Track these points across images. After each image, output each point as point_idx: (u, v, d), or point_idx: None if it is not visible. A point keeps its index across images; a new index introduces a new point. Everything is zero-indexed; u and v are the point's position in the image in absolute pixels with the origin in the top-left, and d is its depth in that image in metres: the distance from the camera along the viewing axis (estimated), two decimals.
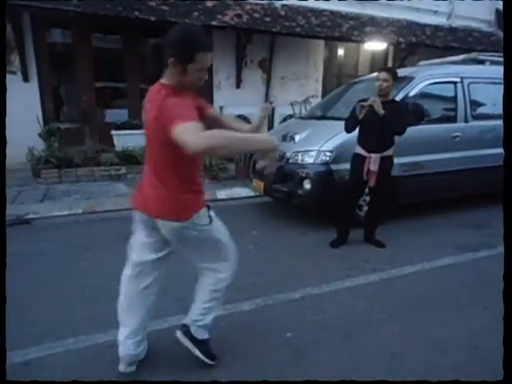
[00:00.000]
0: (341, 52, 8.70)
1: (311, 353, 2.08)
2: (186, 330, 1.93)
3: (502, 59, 5.20)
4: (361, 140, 3.45)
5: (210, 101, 7.29)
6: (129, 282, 1.82)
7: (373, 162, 3.33)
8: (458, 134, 4.36)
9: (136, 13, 5.92)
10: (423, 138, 4.10)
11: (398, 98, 3.77)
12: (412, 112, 3.75)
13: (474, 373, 1.95)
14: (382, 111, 3.15)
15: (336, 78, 8.73)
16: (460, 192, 4.74)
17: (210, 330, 1.94)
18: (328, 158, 3.87)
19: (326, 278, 2.90)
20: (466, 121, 4.43)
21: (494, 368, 1.98)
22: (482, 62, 4.95)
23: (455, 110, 4.41)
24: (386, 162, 3.38)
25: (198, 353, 1.91)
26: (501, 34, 9.34)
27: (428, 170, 4.24)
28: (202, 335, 1.92)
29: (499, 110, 4.74)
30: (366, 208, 4.03)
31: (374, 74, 5.32)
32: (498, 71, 4.85)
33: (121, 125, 6.59)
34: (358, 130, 3.48)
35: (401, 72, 3.83)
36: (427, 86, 4.23)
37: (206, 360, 1.91)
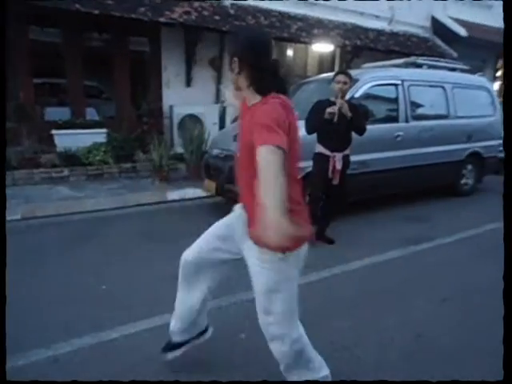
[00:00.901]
0: (290, 53, 8.84)
1: (265, 353, 2.08)
2: None
3: (437, 63, 5.59)
4: (323, 140, 3.54)
5: (160, 99, 7.10)
6: None
7: (337, 160, 3.48)
8: (400, 133, 4.61)
9: (77, 5, 5.60)
10: (368, 137, 4.27)
11: None
12: None
13: (420, 361, 2.06)
14: (349, 113, 3.32)
15: (286, 78, 8.86)
16: (402, 188, 5.02)
17: None
18: None
19: None
20: (406, 121, 4.69)
21: (436, 356, 2.11)
22: (420, 66, 5.27)
23: (397, 110, 4.65)
24: (346, 161, 3.56)
25: None
26: (436, 39, 10.00)
27: (373, 168, 4.43)
28: None
29: (436, 110, 5.14)
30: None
31: (323, 75, 5.48)
32: (435, 75, 5.21)
33: (63, 124, 6.21)
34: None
35: None
36: (371, 87, 4.42)
37: None
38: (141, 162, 6.25)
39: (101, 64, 7.23)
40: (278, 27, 7.54)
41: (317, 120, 3.44)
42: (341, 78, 3.43)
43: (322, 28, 8.21)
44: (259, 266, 1.47)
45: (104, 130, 6.27)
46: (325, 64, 9.20)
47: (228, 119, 7.33)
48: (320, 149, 3.56)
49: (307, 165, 3.82)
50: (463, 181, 5.56)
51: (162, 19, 6.25)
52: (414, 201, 5.21)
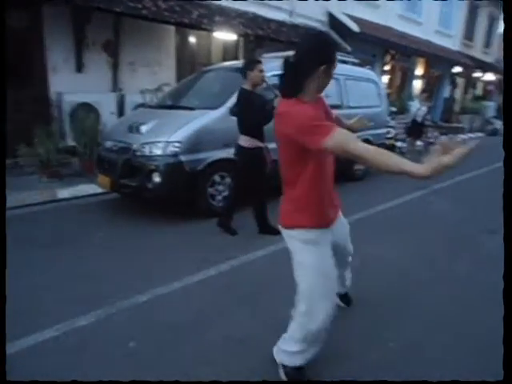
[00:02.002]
0: (193, 40, 8.57)
1: (155, 359, 1.96)
2: None
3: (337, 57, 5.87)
4: (257, 133, 3.44)
5: (45, 86, 6.33)
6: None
7: (268, 151, 3.48)
8: None
9: None
10: (267, 127, 4.34)
11: None
12: None
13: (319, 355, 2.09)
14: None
15: (190, 66, 8.59)
16: None
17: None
18: (177, 149, 3.74)
19: (177, 275, 2.80)
20: None
21: (331, 347, 2.15)
22: None
23: None
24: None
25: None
26: (332, 33, 10.58)
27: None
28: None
29: (330, 101, 5.33)
30: (219, 197, 4.08)
31: (226, 64, 5.40)
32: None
33: None
34: (239, 121, 3.49)
35: None
36: (272, 76, 4.45)
37: None
38: (24, 157, 5.52)
39: None
40: (178, 12, 7.22)
41: (262, 114, 3.32)
42: (262, 66, 3.41)
43: (224, 16, 8.09)
44: None
45: None
46: (229, 52, 9.12)
47: (128, 108, 6.86)
48: (254, 142, 3.44)
49: (210, 155, 3.76)
50: (356, 166, 5.98)
51: None
52: None
